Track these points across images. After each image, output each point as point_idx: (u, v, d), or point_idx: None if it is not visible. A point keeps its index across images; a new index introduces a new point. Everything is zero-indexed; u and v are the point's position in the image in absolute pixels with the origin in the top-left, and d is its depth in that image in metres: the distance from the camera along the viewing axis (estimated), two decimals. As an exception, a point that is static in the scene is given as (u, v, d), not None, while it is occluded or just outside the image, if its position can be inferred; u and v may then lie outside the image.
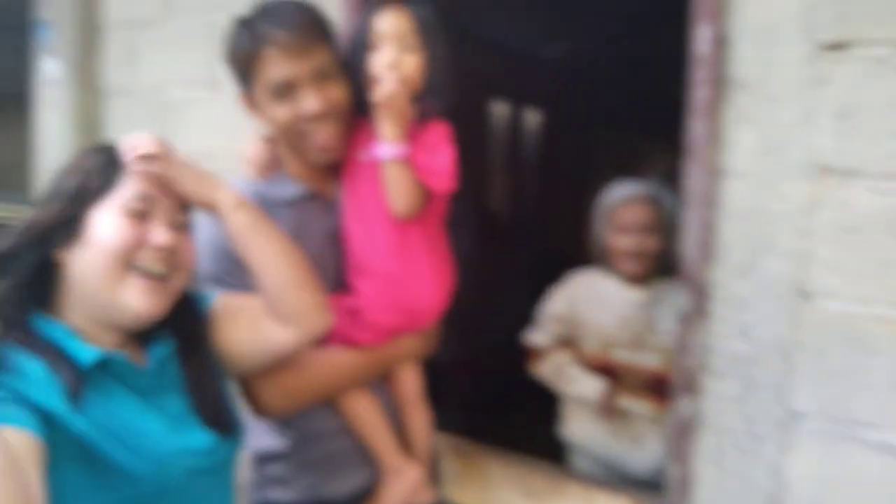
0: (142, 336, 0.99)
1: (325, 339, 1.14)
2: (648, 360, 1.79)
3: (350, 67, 1.18)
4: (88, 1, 2.64)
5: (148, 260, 0.92)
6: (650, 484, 1.65)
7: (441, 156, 1.15)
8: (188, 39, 2.40)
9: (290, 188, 1.21)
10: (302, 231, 1.16)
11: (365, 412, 1.24)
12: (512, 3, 3.77)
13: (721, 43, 1.33)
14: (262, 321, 1.05)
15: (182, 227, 1.00)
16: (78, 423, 0.85)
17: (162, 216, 0.96)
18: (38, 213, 0.92)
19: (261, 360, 1.09)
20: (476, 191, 5.07)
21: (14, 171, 2.91)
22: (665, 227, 1.81)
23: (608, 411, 1.83)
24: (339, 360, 1.18)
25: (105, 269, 0.90)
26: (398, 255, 1.16)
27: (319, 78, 1.12)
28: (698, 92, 1.36)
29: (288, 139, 1.18)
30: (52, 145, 2.76)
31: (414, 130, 1.16)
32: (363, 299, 1.18)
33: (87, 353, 0.89)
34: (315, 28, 1.13)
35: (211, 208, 1.02)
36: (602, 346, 1.88)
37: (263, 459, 1.28)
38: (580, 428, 1.92)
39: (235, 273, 1.09)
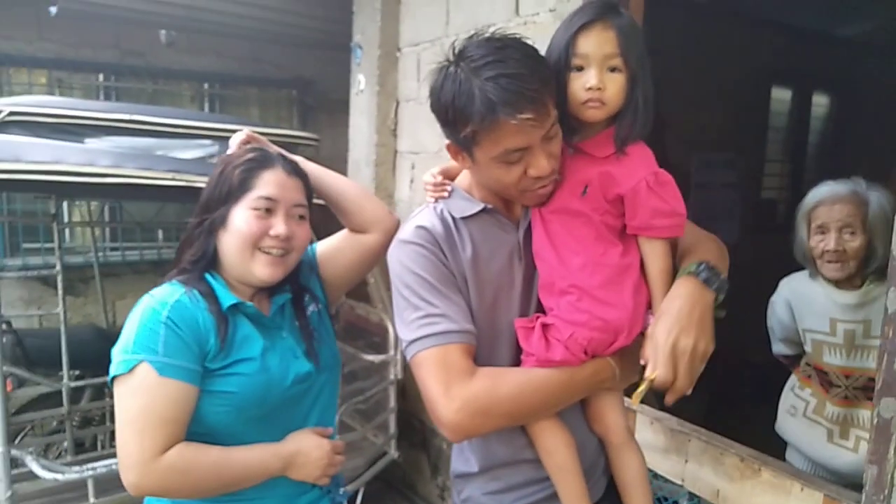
0: (268, 290, 1.31)
1: (520, 360, 1.14)
2: (866, 364, 1.72)
3: None
4: (388, 27, 3.25)
5: (270, 244, 1.23)
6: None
7: (672, 196, 1.09)
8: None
9: (467, 204, 1.18)
10: (486, 243, 1.16)
11: (557, 452, 1.15)
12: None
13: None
14: (353, 238, 1.45)
15: (300, 217, 1.29)
16: (221, 362, 1.18)
17: (282, 211, 1.25)
18: (206, 209, 1.25)
19: (360, 263, 1.47)
20: (749, 180, 4.83)
21: (340, 162, 3.67)
22: (873, 226, 1.70)
23: None
24: (529, 378, 1.09)
25: (240, 251, 1.23)
26: (594, 274, 1.09)
27: (548, 138, 1.06)
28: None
29: (506, 193, 1.15)
30: (360, 143, 3.47)
31: (612, 149, 1.10)
32: (556, 317, 1.11)
33: (227, 299, 1.23)
34: (548, 85, 1.04)
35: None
36: (817, 351, 1.85)
37: (456, 479, 1.31)
38: (793, 428, 1.93)
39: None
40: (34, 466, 1.97)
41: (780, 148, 5.24)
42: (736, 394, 3.55)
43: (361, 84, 3.38)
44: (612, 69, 1.07)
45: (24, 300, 4.49)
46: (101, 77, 4.85)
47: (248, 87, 5.43)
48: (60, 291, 2.66)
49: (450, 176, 1.27)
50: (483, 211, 1.17)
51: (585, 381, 1.12)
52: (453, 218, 1.17)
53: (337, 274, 1.45)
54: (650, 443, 1.98)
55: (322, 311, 1.40)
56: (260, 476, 1.22)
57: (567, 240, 1.11)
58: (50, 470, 1.97)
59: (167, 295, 1.19)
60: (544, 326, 1.11)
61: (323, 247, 1.47)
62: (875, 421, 1.41)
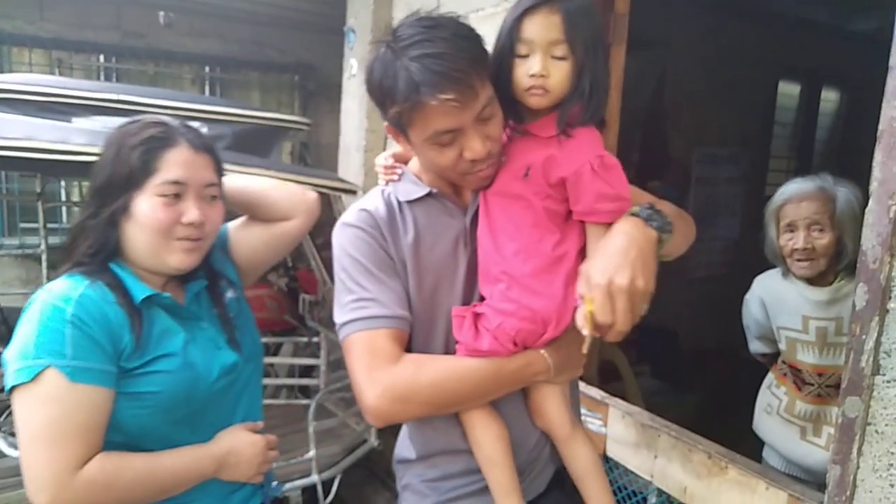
0: (181, 277, 1.19)
1: (452, 349, 1.11)
2: (838, 362, 1.67)
3: (494, 69, 1.05)
4: (381, 11, 3.22)
5: (183, 232, 1.12)
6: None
7: (618, 180, 1.04)
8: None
9: (414, 188, 1.15)
10: (429, 228, 1.13)
11: (486, 444, 1.11)
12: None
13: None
14: (273, 226, 1.34)
15: (212, 198, 1.17)
16: (138, 360, 1.07)
17: (193, 194, 1.13)
18: (102, 196, 1.11)
19: (279, 246, 1.37)
20: (753, 176, 4.75)
21: (334, 149, 3.66)
22: (841, 223, 1.67)
23: None
24: (453, 367, 1.07)
25: (151, 242, 1.11)
26: (526, 262, 1.06)
27: (482, 120, 1.02)
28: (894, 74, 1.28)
29: (446, 176, 1.12)
30: (351, 128, 3.44)
31: (556, 134, 1.05)
32: (487, 305, 1.08)
33: (140, 290, 1.10)
34: (476, 65, 0.98)
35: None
36: (791, 349, 1.81)
37: (397, 465, 1.30)
38: (768, 426, 1.90)
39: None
40: (1, 444, 1.97)
41: (786, 144, 5.16)
42: (736, 393, 3.56)
43: (354, 68, 3.35)
44: (557, 56, 1.01)
45: (22, 279, 4.53)
46: (101, 58, 4.86)
47: (250, 71, 5.43)
48: (44, 270, 2.66)
49: (403, 160, 1.23)
50: (429, 195, 1.14)
51: (515, 373, 1.08)
52: (399, 202, 1.15)
53: (253, 258, 1.35)
54: (621, 437, 1.95)
55: (240, 297, 1.30)
56: (191, 481, 1.14)
57: (505, 224, 1.08)
58: (16, 448, 1.97)
59: (68, 290, 1.05)
60: (476, 315, 1.08)
61: (235, 228, 1.35)
62: (839, 420, 1.37)
